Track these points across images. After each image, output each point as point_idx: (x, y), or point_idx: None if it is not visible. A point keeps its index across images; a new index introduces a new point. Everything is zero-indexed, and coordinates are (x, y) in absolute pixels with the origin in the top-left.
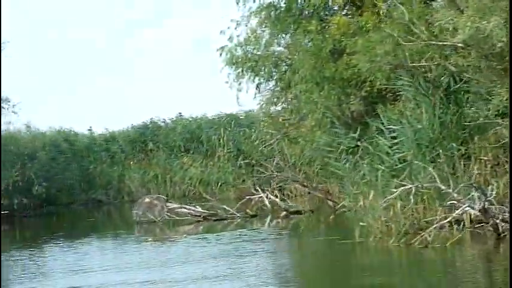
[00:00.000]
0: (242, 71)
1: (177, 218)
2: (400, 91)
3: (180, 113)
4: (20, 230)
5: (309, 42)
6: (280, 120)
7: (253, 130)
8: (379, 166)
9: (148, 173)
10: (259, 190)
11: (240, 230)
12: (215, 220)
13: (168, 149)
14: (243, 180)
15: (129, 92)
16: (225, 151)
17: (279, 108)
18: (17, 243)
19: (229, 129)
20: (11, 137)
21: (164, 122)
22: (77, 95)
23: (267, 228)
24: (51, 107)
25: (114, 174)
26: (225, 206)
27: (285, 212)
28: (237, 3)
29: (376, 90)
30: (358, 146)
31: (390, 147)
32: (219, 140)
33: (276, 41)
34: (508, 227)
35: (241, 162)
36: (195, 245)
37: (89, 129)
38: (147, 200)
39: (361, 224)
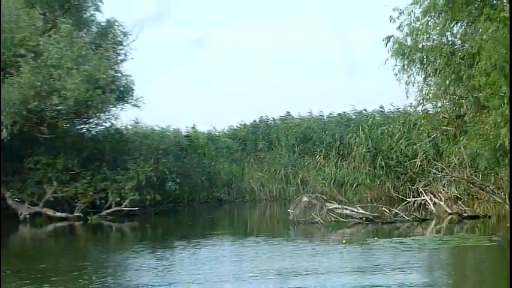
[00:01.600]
0: (409, 62)
1: (339, 219)
2: None
3: (288, 112)
4: (155, 227)
5: (494, 30)
6: (440, 117)
7: (389, 127)
8: None
9: (274, 172)
10: (423, 192)
11: (436, 235)
12: (383, 223)
13: (280, 148)
14: (380, 182)
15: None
16: (361, 150)
17: (439, 104)
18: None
19: (367, 127)
20: (140, 132)
21: (274, 120)
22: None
23: (455, 234)
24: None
25: (234, 173)
26: (384, 208)
27: (453, 216)
28: None
29: None
30: None
31: None
32: (355, 139)
33: (448, 30)
34: None
35: (381, 162)
36: (396, 250)
37: (192, 128)
38: (305, 199)
39: None
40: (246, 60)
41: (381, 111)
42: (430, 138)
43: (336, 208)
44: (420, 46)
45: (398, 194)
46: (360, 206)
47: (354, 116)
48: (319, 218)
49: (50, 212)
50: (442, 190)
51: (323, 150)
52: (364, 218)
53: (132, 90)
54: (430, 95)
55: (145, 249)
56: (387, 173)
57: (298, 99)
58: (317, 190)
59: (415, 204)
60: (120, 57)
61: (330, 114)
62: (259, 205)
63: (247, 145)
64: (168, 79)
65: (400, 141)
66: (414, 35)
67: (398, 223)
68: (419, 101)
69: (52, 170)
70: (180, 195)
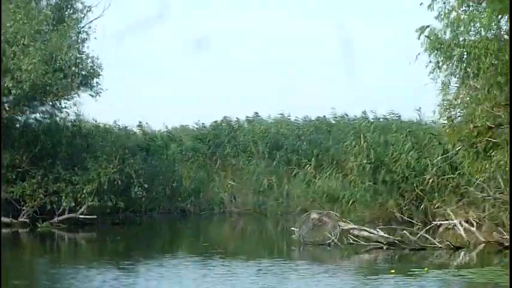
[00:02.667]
0: (446, 59)
1: (356, 241)
2: None
3: (256, 113)
4: (115, 240)
5: None
6: (471, 127)
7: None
8: None
9: (246, 181)
10: (451, 215)
11: (491, 267)
12: (412, 249)
13: (253, 154)
14: (382, 199)
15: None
16: (360, 162)
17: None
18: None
19: (368, 135)
20: (101, 127)
21: (238, 121)
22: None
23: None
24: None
25: (201, 180)
26: (406, 232)
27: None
28: None
29: None
30: None
31: None
32: (354, 148)
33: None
34: None
35: (384, 176)
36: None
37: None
38: (314, 216)
39: None
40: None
41: (385, 118)
42: (453, 151)
43: (352, 229)
44: (461, 40)
45: (402, 214)
46: (379, 228)
47: (333, 122)
48: (333, 239)
49: None
50: (470, 213)
51: (313, 160)
52: (385, 242)
53: (99, 75)
54: (468, 99)
55: (103, 265)
56: (390, 189)
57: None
58: (306, 206)
59: (440, 229)
60: (82, 36)
61: (305, 117)
62: (231, 219)
63: (210, 148)
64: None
65: (411, 153)
66: (455, 26)
67: (428, 250)
68: (446, 106)
69: None
70: (144, 203)
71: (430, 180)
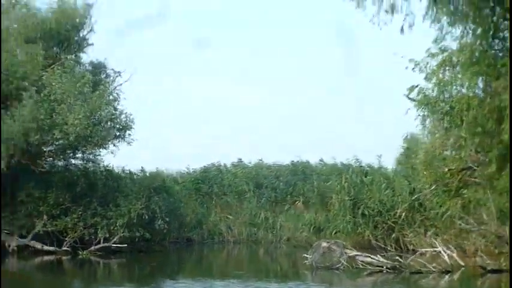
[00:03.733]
0: (432, 113)
1: (360, 266)
2: None
3: (240, 159)
4: (144, 265)
5: None
6: (446, 170)
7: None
8: None
9: (240, 215)
10: (436, 243)
11: None
12: (412, 273)
13: (236, 192)
14: (360, 230)
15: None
16: (341, 198)
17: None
18: None
19: (347, 177)
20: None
21: (225, 166)
22: None
23: None
24: None
25: (204, 214)
26: (398, 258)
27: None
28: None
29: None
30: None
31: None
32: (338, 186)
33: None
34: None
35: (363, 210)
36: None
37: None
38: (324, 244)
39: None
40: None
41: (358, 163)
42: (421, 191)
43: (356, 255)
44: (447, 96)
45: (377, 242)
46: (380, 255)
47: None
48: (342, 263)
49: (39, 246)
50: (438, 241)
51: (301, 198)
52: (385, 267)
53: (131, 128)
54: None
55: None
56: (366, 222)
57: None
58: (296, 236)
59: (427, 255)
60: (114, 95)
61: (275, 162)
62: (229, 247)
63: (208, 188)
64: None
65: (386, 191)
66: (440, 86)
67: (424, 273)
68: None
69: (43, 203)
70: (166, 234)
71: (402, 214)
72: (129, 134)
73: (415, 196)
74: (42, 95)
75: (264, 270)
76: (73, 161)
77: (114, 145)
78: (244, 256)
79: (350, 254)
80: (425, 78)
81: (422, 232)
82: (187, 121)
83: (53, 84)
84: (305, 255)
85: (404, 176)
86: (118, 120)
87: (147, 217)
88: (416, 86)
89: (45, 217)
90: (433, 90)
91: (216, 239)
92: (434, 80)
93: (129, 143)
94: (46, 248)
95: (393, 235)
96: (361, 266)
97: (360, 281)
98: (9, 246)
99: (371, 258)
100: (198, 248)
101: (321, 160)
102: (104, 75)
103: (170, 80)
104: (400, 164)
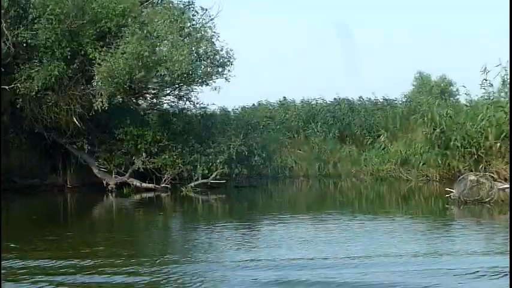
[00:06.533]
0: None
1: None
2: None
3: (284, 97)
4: (244, 201)
5: None
6: None
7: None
8: None
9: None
10: None
11: None
12: None
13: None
14: (447, 161)
15: None
16: (428, 131)
17: None
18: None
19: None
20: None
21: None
22: None
23: None
24: None
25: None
26: None
27: None
28: None
29: None
30: None
31: None
32: (424, 119)
33: None
34: None
35: (455, 142)
36: None
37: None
38: (472, 177)
39: None
40: None
41: None
42: None
43: (506, 188)
44: None
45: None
46: None
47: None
48: (492, 197)
49: (137, 183)
50: None
51: (387, 131)
52: None
53: (231, 63)
54: None
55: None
56: (453, 153)
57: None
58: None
59: None
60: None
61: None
62: (310, 181)
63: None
64: None
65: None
66: None
67: None
68: None
69: (141, 141)
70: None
71: (487, 144)
72: (229, 71)
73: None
74: (145, 31)
75: (396, 205)
76: (170, 98)
77: (214, 82)
78: (346, 190)
79: (500, 187)
80: None
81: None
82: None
83: (155, 20)
84: (447, 189)
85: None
86: (218, 56)
87: (246, 153)
88: None
89: (143, 154)
90: None
91: (288, 174)
92: None
93: (227, 80)
94: (145, 185)
95: (480, 166)
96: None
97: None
98: (107, 184)
99: None
100: (280, 183)
101: (360, 97)
102: (192, 13)
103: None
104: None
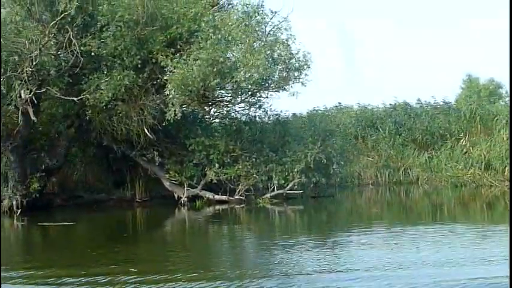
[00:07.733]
0: None
1: None
2: None
3: (339, 103)
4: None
5: None
6: None
7: None
8: None
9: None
10: None
11: None
12: None
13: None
14: None
15: None
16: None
17: None
18: None
19: None
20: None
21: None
22: None
23: None
24: None
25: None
26: None
27: None
28: None
29: None
30: None
31: None
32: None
33: None
34: None
35: None
36: None
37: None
38: None
39: None
40: None
41: None
42: None
43: None
44: None
45: None
46: None
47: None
48: None
49: (210, 195)
50: None
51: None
52: None
53: (309, 67)
54: None
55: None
56: None
57: None
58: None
59: None
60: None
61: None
62: (381, 188)
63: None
64: None
65: None
66: None
67: None
68: None
69: (214, 152)
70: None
71: None
72: (306, 75)
73: None
74: (219, 36)
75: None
76: (241, 106)
77: (291, 87)
78: (432, 199)
79: None
80: None
81: None
82: None
83: (229, 24)
84: None
85: None
86: (294, 60)
87: (324, 161)
88: None
89: (216, 165)
90: None
91: (356, 182)
92: None
93: (303, 84)
94: (217, 197)
95: None
96: None
97: None
98: (179, 198)
99: None
100: (352, 191)
101: (418, 100)
102: (261, 16)
103: None
104: None
